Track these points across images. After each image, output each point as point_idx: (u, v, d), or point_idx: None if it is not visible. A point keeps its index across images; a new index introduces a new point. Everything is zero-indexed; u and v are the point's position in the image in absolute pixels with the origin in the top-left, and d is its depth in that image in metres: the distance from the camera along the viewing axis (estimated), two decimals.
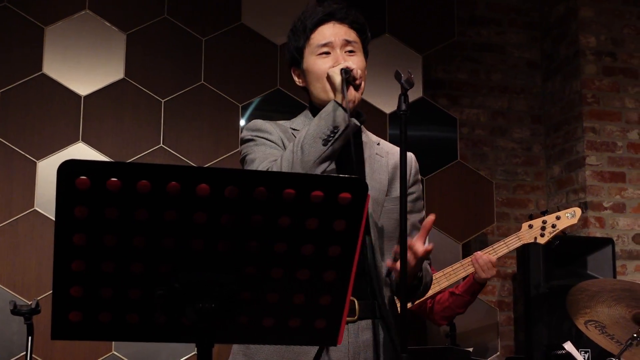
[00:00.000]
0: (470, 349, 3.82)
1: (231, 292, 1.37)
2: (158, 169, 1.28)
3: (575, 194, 4.88)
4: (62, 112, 4.12)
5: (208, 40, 4.37)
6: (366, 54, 2.27)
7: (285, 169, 2.03)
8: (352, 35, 2.23)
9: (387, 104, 4.47)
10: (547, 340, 4.28)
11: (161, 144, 4.22)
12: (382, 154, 2.26)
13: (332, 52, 2.19)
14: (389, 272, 2.09)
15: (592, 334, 3.05)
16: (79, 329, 1.37)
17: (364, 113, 2.25)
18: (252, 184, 1.31)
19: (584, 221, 4.73)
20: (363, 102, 2.22)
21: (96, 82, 4.19)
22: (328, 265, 1.40)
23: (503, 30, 5.25)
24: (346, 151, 2.08)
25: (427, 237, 2.08)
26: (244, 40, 4.43)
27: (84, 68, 4.19)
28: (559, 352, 3.57)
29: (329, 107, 2.09)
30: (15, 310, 2.81)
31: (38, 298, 3.11)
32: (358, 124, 2.13)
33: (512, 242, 3.68)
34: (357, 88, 2.11)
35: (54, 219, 1.28)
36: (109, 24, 4.26)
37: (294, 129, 2.24)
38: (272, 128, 2.22)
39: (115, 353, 3.98)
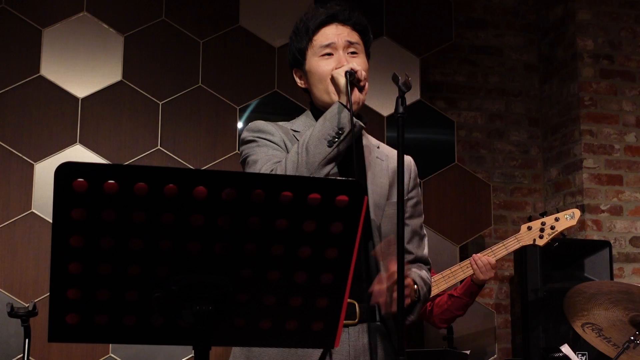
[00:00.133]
0: (468, 352, 3.82)
1: (228, 295, 1.37)
2: (155, 172, 1.28)
3: (573, 197, 4.88)
4: (59, 114, 4.12)
5: (206, 43, 4.37)
6: (368, 56, 2.27)
7: (290, 171, 2.02)
8: (354, 36, 2.22)
9: (385, 107, 4.47)
10: (544, 343, 4.28)
11: (159, 146, 4.22)
12: (382, 158, 2.26)
13: (334, 54, 2.19)
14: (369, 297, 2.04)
15: (589, 336, 3.05)
16: (76, 331, 1.37)
17: (362, 115, 2.24)
18: (250, 187, 1.31)
19: (581, 224, 4.73)
20: None
21: (94, 84, 4.19)
22: (325, 267, 1.40)
23: (500, 33, 5.26)
24: (348, 154, 2.08)
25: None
26: (241, 42, 4.43)
27: (81, 70, 4.19)
28: (556, 354, 3.57)
29: (333, 109, 2.08)
30: (13, 313, 2.81)
31: (35, 300, 3.11)
32: (363, 125, 2.12)
33: (511, 244, 3.67)
34: (361, 90, 2.11)
35: (51, 221, 1.28)
36: (106, 26, 4.26)
37: (294, 131, 2.23)
38: (273, 129, 2.20)
39: (112, 355, 3.97)
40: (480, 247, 4.93)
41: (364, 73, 2.10)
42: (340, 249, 1.39)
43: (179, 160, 4.23)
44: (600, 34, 4.97)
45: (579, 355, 4.00)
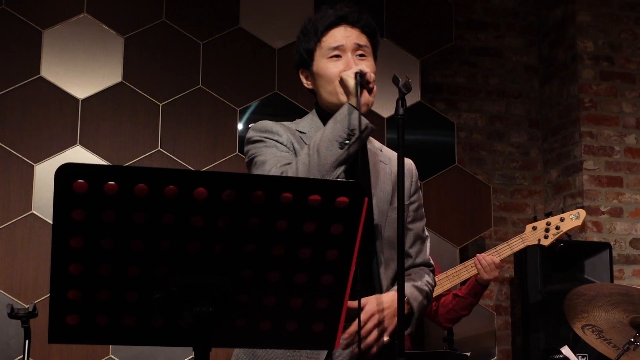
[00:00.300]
0: (468, 354, 3.81)
1: (228, 295, 1.37)
2: (155, 173, 1.28)
3: (573, 199, 4.88)
4: (59, 116, 4.12)
5: (206, 44, 4.37)
6: (375, 59, 2.26)
7: (301, 173, 2.00)
8: (363, 39, 2.22)
9: (385, 108, 4.47)
10: (544, 344, 4.28)
11: (159, 148, 4.22)
12: (385, 161, 2.25)
13: (343, 56, 2.18)
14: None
15: (590, 338, 3.05)
16: (76, 332, 1.37)
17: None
18: (250, 188, 1.31)
19: (581, 225, 4.73)
20: None
21: (94, 86, 4.19)
22: (325, 269, 1.40)
23: (501, 35, 5.26)
24: (354, 158, 2.08)
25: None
26: (242, 44, 4.43)
27: (81, 71, 4.19)
28: (557, 356, 3.57)
29: (344, 111, 2.07)
30: (13, 314, 2.80)
31: (35, 301, 3.10)
32: (374, 127, 2.11)
33: (516, 244, 3.67)
34: (370, 92, 2.10)
35: (51, 222, 1.28)
36: (106, 28, 4.26)
37: (300, 132, 2.21)
38: (282, 130, 2.19)
39: (113, 357, 3.97)
40: (481, 248, 4.93)
41: (372, 75, 2.10)
42: (341, 250, 1.39)
43: (179, 161, 4.23)
44: (601, 36, 4.97)
45: (579, 356, 4.00)
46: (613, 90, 4.95)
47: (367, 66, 2.14)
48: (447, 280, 3.65)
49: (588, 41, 4.95)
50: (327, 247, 1.38)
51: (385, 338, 2.04)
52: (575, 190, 4.87)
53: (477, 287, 3.75)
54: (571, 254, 4.49)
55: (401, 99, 2.00)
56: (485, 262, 3.63)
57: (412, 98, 4.55)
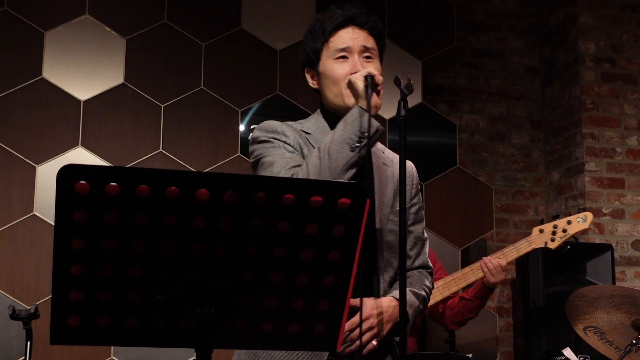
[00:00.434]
0: (470, 355, 3.81)
1: (230, 297, 1.37)
2: (157, 174, 1.28)
3: (575, 200, 4.88)
4: (61, 117, 4.13)
5: (208, 46, 4.38)
6: (381, 61, 2.26)
7: (312, 175, 1.99)
8: (370, 41, 2.21)
9: (387, 110, 4.47)
10: (546, 346, 4.27)
11: (160, 149, 4.22)
12: (388, 164, 2.25)
13: (349, 57, 2.18)
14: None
15: (591, 340, 3.05)
16: (78, 333, 1.37)
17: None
18: (252, 189, 1.31)
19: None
20: None
21: (96, 87, 4.20)
22: (327, 270, 1.40)
23: (502, 36, 5.26)
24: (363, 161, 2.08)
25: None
26: (243, 45, 4.43)
27: (83, 73, 4.19)
28: (558, 358, 3.57)
29: (354, 113, 2.06)
30: (14, 315, 2.81)
31: (37, 303, 3.11)
32: (384, 129, 2.11)
33: (523, 247, 3.65)
34: (377, 94, 2.10)
35: (53, 223, 1.28)
36: (108, 29, 4.27)
37: (306, 133, 2.21)
38: (289, 131, 2.17)
39: (114, 358, 3.97)
40: (482, 250, 4.93)
41: (381, 78, 2.09)
42: (342, 251, 1.39)
43: (181, 162, 4.23)
44: (602, 38, 4.97)
45: (581, 358, 3.99)
46: (615, 92, 4.95)
47: (374, 69, 2.13)
48: (454, 283, 3.64)
49: (590, 43, 4.95)
50: (328, 248, 1.38)
51: (374, 342, 2.03)
52: (577, 192, 4.86)
53: (483, 289, 3.74)
54: (573, 256, 4.49)
55: (403, 100, 2.00)
56: (492, 265, 3.62)
57: (414, 99, 4.55)
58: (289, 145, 2.14)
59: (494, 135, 5.16)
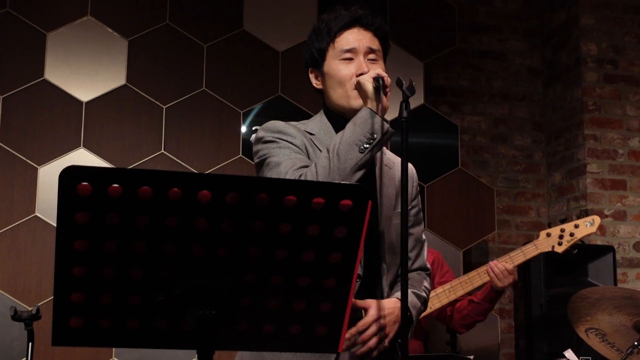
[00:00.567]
0: (471, 357, 3.81)
1: (231, 299, 1.37)
2: (159, 175, 1.28)
3: (576, 202, 4.88)
4: (63, 118, 4.13)
5: (209, 47, 4.38)
6: (385, 63, 2.27)
7: (321, 176, 1.99)
8: (375, 43, 2.22)
9: (388, 111, 4.42)
10: (547, 348, 4.27)
11: (162, 150, 4.23)
12: (389, 165, 2.25)
13: (355, 59, 2.18)
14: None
15: (593, 342, 3.05)
16: (80, 335, 1.37)
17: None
18: (253, 191, 1.31)
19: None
20: None
21: (98, 88, 4.20)
22: (329, 272, 1.40)
23: (504, 38, 5.26)
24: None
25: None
26: (245, 46, 4.43)
27: (85, 74, 4.20)
28: None
29: (363, 114, 2.06)
30: (16, 316, 2.81)
31: (39, 304, 3.11)
32: (394, 132, 2.11)
33: (530, 251, 3.64)
34: (385, 96, 2.10)
35: (55, 224, 1.28)
36: (110, 30, 4.27)
37: (310, 133, 2.20)
38: (295, 132, 2.17)
39: (116, 359, 3.97)
40: (484, 251, 4.92)
41: (389, 80, 2.10)
42: (344, 253, 1.39)
43: (183, 164, 4.23)
44: (604, 39, 4.97)
45: None
46: (617, 93, 4.95)
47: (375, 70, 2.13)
48: (460, 287, 3.63)
49: (592, 44, 4.94)
50: (330, 250, 1.38)
51: (385, 343, 2.04)
52: (579, 193, 4.86)
53: (492, 293, 3.72)
54: (575, 258, 4.48)
55: (405, 101, 2.00)
56: (498, 269, 3.60)
57: (416, 101, 4.55)
58: (295, 145, 2.14)
59: (496, 137, 5.16)
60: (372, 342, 2.02)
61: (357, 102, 2.13)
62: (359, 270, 2.07)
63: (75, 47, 4.21)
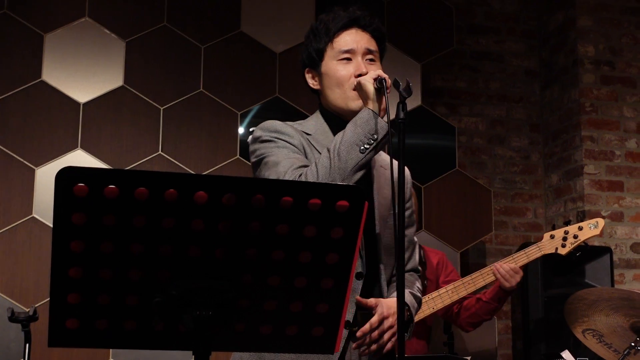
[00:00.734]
0: (468, 358, 3.81)
1: (228, 300, 1.37)
2: (156, 177, 1.28)
3: (574, 203, 4.88)
4: (61, 119, 4.13)
5: (207, 48, 4.38)
6: (381, 63, 2.27)
7: (322, 175, 1.99)
8: (373, 44, 2.23)
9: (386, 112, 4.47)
10: (545, 349, 4.27)
11: (160, 152, 4.22)
12: (385, 166, 2.26)
13: (353, 59, 2.19)
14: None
15: (590, 342, 3.05)
16: (76, 336, 1.37)
17: None
18: (250, 192, 1.31)
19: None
20: None
21: (95, 90, 4.20)
22: (325, 272, 1.40)
23: (501, 39, 5.27)
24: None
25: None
26: (243, 48, 4.43)
27: (83, 75, 4.19)
28: None
29: (364, 115, 2.06)
30: (13, 318, 2.80)
31: (36, 305, 3.10)
32: (395, 133, 2.11)
33: (533, 253, 3.64)
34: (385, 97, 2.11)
35: (52, 225, 1.28)
36: (108, 32, 4.27)
37: (306, 134, 2.20)
38: (292, 131, 2.17)
39: None
40: (481, 252, 4.93)
41: (389, 81, 2.10)
42: (341, 254, 1.39)
43: (180, 165, 4.23)
44: (601, 41, 4.98)
45: None
46: (614, 95, 4.95)
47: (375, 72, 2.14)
48: (464, 288, 3.64)
49: (589, 46, 4.95)
50: (327, 251, 1.38)
51: (393, 340, 2.05)
52: (576, 195, 4.86)
53: (501, 292, 3.71)
54: (572, 259, 4.48)
55: (402, 102, 2.00)
56: (504, 270, 3.60)
57: (413, 102, 4.56)
58: (293, 145, 2.13)
59: (493, 138, 5.16)
60: (385, 338, 2.03)
61: (354, 103, 2.14)
62: (361, 268, 2.08)
63: (73, 48, 4.21)
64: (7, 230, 3.98)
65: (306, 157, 2.13)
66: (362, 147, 2.02)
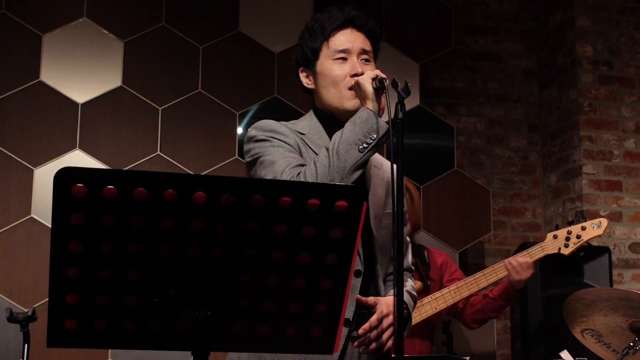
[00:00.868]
0: (467, 358, 3.81)
1: (227, 300, 1.37)
2: (154, 177, 1.28)
3: (572, 203, 4.88)
4: (59, 120, 4.12)
5: (205, 48, 4.38)
6: (375, 64, 2.28)
7: (321, 174, 1.99)
8: (368, 44, 2.24)
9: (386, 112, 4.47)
10: (543, 349, 4.27)
11: (158, 152, 4.22)
12: (378, 166, 2.26)
13: (348, 59, 2.20)
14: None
15: (589, 342, 3.05)
16: (75, 336, 1.37)
17: None
18: (249, 192, 1.31)
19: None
20: None
21: (93, 90, 4.20)
22: (324, 273, 1.40)
23: (500, 39, 5.27)
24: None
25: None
26: (241, 48, 4.43)
27: (81, 75, 4.19)
28: None
29: (362, 115, 2.07)
30: (12, 318, 2.80)
31: (34, 305, 3.11)
32: (393, 133, 2.11)
33: (536, 252, 3.63)
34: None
35: (50, 226, 1.28)
36: (106, 32, 4.27)
37: (300, 133, 2.20)
38: (287, 131, 2.17)
39: None
40: (480, 252, 4.93)
41: (387, 81, 2.11)
42: (340, 254, 1.39)
43: (179, 165, 4.23)
44: (600, 41, 4.98)
45: None
46: (612, 95, 4.96)
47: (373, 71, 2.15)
48: (475, 284, 3.62)
49: (587, 46, 4.95)
50: (326, 251, 1.38)
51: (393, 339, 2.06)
52: (575, 195, 4.87)
53: (509, 290, 3.70)
54: (571, 259, 4.48)
55: (400, 103, 2.00)
56: (516, 262, 3.59)
57: (412, 102, 4.55)
58: (288, 144, 2.13)
59: (492, 138, 5.16)
60: (385, 336, 2.03)
61: (350, 102, 2.14)
62: (359, 266, 2.08)
63: (71, 48, 4.21)
64: (6, 231, 3.98)
65: (301, 157, 2.13)
66: (360, 147, 2.02)
